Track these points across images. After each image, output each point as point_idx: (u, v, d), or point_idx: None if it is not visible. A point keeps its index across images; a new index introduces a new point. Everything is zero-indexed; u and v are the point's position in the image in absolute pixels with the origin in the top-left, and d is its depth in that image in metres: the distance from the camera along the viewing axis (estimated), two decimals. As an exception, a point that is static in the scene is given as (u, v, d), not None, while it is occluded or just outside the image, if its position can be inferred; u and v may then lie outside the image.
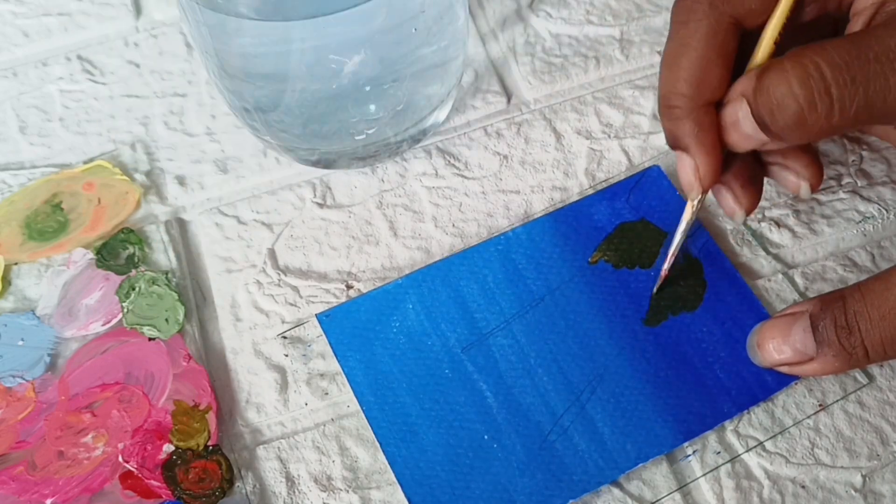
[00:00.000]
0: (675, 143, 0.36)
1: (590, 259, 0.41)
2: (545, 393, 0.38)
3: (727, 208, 0.38)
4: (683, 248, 0.40)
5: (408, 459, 0.37)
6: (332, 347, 0.40)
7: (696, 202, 0.37)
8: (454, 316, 0.40)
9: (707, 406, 0.38)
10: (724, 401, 0.38)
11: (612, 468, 0.37)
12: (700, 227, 0.41)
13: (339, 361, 0.40)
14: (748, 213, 0.38)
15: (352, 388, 0.39)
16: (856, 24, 0.35)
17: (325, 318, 0.41)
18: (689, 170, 0.36)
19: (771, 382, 0.38)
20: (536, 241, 0.42)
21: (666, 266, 0.39)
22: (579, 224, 0.42)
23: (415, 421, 0.38)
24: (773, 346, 0.37)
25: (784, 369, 0.37)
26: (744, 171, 0.37)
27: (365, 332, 0.40)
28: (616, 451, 0.37)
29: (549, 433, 0.37)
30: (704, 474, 0.37)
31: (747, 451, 0.37)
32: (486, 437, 0.37)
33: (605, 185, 0.43)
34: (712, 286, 0.40)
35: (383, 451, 0.38)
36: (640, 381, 0.38)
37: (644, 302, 0.40)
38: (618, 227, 0.42)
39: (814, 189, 0.37)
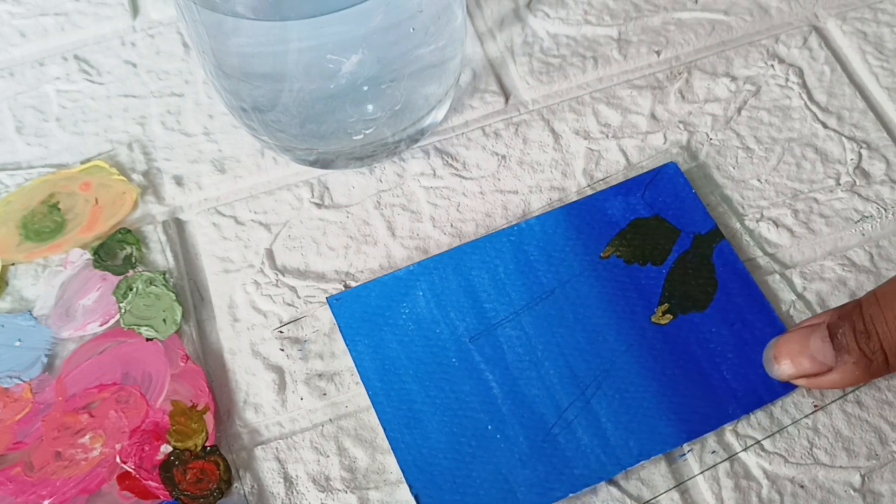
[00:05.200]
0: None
1: (602, 254, 0.41)
2: (551, 386, 0.38)
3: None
4: (698, 248, 0.40)
5: (411, 445, 0.37)
6: (340, 331, 0.40)
7: None
8: (464, 305, 0.40)
9: (712, 406, 0.37)
10: (729, 402, 0.38)
11: (614, 464, 0.37)
12: (716, 228, 0.41)
13: (347, 345, 0.40)
14: None
15: (358, 372, 0.39)
16: None
17: (335, 302, 0.41)
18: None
19: (777, 386, 0.38)
20: (549, 233, 0.42)
21: None
22: (593, 218, 0.42)
23: (420, 408, 0.38)
24: (791, 359, 0.37)
25: (803, 382, 0.37)
26: None
27: (374, 317, 0.40)
28: (619, 447, 0.37)
29: (553, 426, 0.37)
30: (702, 471, 0.37)
31: (744, 451, 0.37)
32: (489, 426, 0.38)
33: (603, 184, 0.43)
34: (723, 287, 0.40)
35: (387, 437, 0.38)
36: (647, 379, 0.38)
37: (654, 299, 0.40)
38: (631, 223, 0.42)
39: None
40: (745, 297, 0.40)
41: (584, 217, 0.42)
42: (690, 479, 0.37)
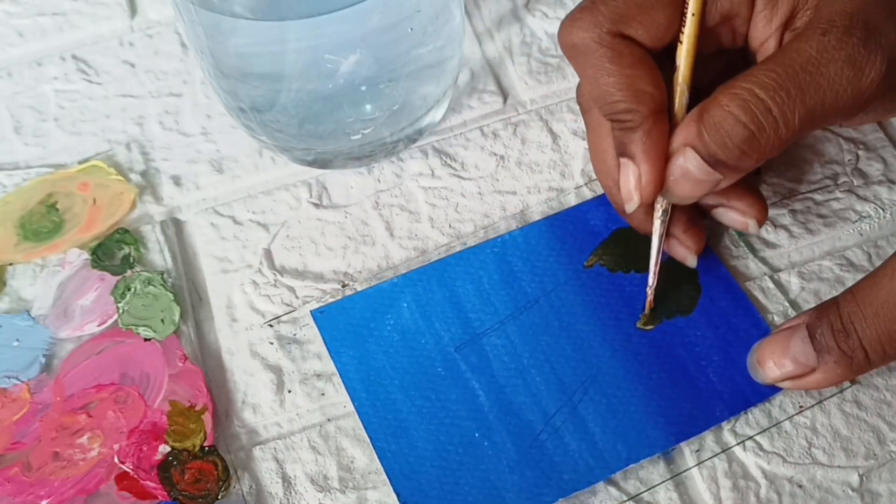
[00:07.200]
0: (621, 150, 0.37)
1: (585, 263, 0.41)
2: (537, 393, 0.38)
3: (678, 255, 0.40)
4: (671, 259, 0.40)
5: (398, 455, 0.37)
6: (325, 343, 0.40)
7: (661, 216, 0.38)
8: (448, 315, 0.40)
9: (699, 409, 0.38)
10: (716, 404, 0.38)
11: (602, 468, 0.37)
12: None
13: (331, 357, 0.40)
14: (698, 253, 0.40)
15: (344, 384, 0.39)
16: (768, 51, 0.36)
17: (319, 315, 0.41)
18: (631, 179, 0.36)
19: (763, 387, 0.38)
20: (532, 244, 0.42)
21: (651, 286, 0.39)
22: (575, 229, 0.42)
23: (406, 417, 0.38)
24: (774, 362, 0.37)
25: (787, 384, 0.37)
26: (683, 217, 0.39)
27: (359, 329, 0.40)
28: (607, 451, 0.37)
29: (541, 432, 0.37)
30: (698, 464, 0.37)
31: (739, 445, 0.37)
32: (476, 434, 0.38)
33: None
34: (707, 291, 0.40)
35: (374, 447, 0.38)
36: (633, 383, 0.38)
37: (639, 305, 0.40)
38: (613, 233, 0.42)
39: (760, 224, 0.39)
40: (728, 300, 0.40)
41: (567, 228, 0.42)
42: (685, 470, 0.37)
